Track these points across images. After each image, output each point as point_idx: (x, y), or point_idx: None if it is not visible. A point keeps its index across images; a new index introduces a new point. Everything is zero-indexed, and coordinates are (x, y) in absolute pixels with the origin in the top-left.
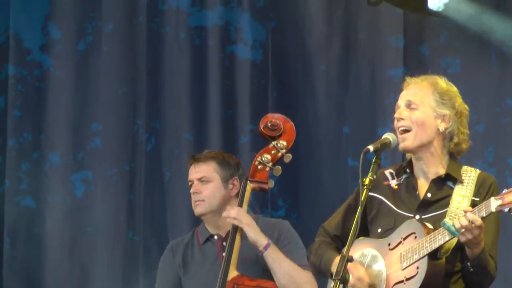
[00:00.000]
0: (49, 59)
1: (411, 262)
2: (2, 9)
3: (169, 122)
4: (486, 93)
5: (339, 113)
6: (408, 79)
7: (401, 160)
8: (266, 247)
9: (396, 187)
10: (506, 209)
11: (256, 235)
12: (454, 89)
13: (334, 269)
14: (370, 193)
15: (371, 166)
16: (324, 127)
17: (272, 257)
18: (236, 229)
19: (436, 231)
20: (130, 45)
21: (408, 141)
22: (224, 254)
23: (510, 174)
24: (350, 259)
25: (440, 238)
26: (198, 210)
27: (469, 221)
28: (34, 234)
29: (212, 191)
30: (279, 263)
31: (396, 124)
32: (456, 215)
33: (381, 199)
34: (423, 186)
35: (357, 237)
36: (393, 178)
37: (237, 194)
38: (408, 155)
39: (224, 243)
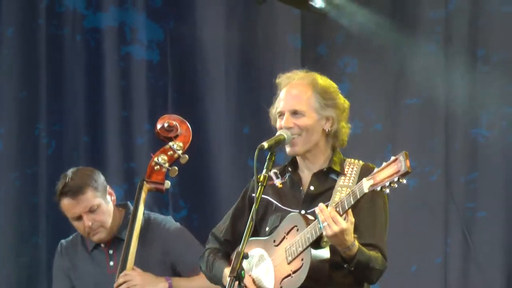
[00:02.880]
0: None
1: (296, 255)
2: None
3: (67, 125)
4: (384, 92)
5: (239, 113)
6: (285, 77)
7: None
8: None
9: (281, 185)
10: (378, 188)
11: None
12: (334, 85)
13: (225, 281)
14: (254, 195)
15: (266, 163)
16: (224, 127)
17: None
18: (129, 240)
19: (316, 220)
20: (30, 48)
21: (297, 147)
22: (111, 263)
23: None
24: (246, 256)
25: (319, 228)
26: (99, 237)
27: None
28: None
29: (105, 215)
30: None
31: (284, 133)
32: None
33: (268, 199)
34: (307, 181)
35: (252, 236)
36: (277, 178)
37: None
38: None
39: (110, 251)
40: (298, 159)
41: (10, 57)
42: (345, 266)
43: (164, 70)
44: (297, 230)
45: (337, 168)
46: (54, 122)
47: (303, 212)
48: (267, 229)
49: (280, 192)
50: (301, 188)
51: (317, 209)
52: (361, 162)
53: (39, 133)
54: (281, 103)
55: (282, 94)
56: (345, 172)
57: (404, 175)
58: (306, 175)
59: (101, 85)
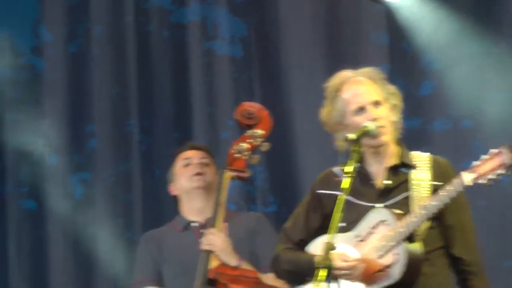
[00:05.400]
0: (41, 62)
1: (388, 249)
2: None
3: (158, 121)
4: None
5: None
6: (337, 80)
7: None
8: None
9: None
10: (484, 181)
11: (227, 258)
12: (384, 75)
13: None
14: (322, 191)
15: (353, 154)
16: (311, 121)
17: None
18: (215, 216)
19: (412, 214)
20: (119, 45)
21: (385, 136)
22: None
23: None
24: (334, 248)
25: (416, 221)
26: (198, 183)
27: None
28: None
29: (211, 172)
30: None
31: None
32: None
33: (337, 194)
34: (377, 176)
35: (320, 234)
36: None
37: None
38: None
39: (202, 231)
40: (368, 153)
41: (100, 55)
42: None
43: (248, 65)
44: (386, 224)
45: (408, 161)
46: (145, 119)
47: (379, 205)
48: (344, 224)
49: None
50: (372, 182)
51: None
52: (427, 155)
53: (131, 129)
54: (356, 98)
55: (351, 92)
56: (415, 165)
57: (509, 167)
58: (375, 169)
59: (187, 81)
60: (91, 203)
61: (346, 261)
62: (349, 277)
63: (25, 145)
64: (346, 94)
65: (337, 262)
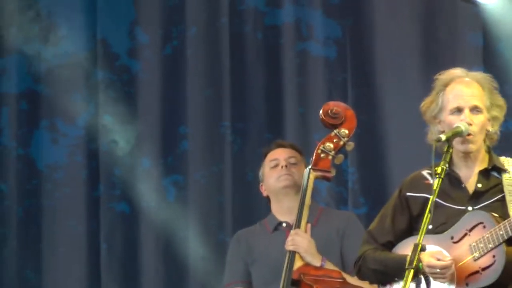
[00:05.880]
0: (137, 64)
1: (485, 251)
2: (90, 15)
3: (250, 122)
4: None
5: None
6: (449, 75)
7: None
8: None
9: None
10: None
11: (311, 258)
12: (495, 85)
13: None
14: (410, 194)
15: (443, 155)
16: (405, 124)
17: None
18: (300, 217)
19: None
20: (214, 46)
21: (474, 145)
22: None
23: None
24: (424, 248)
25: None
26: (285, 182)
27: None
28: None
29: (299, 171)
30: None
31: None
32: None
33: (426, 197)
34: (468, 179)
35: (406, 237)
36: (432, 177)
37: None
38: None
39: (292, 231)
40: (458, 157)
41: (194, 56)
42: None
43: (342, 67)
44: (484, 227)
45: (501, 165)
46: (237, 120)
47: (470, 208)
48: (430, 226)
49: (439, 189)
50: (463, 185)
51: None
52: None
53: (224, 131)
54: (457, 99)
55: (456, 91)
56: (506, 169)
57: None
58: (465, 172)
59: (280, 82)
60: (184, 205)
61: (440, 260)
62: (442, 276)
63: (118, 146)
64: (450, 91)
65: (432, 260)
